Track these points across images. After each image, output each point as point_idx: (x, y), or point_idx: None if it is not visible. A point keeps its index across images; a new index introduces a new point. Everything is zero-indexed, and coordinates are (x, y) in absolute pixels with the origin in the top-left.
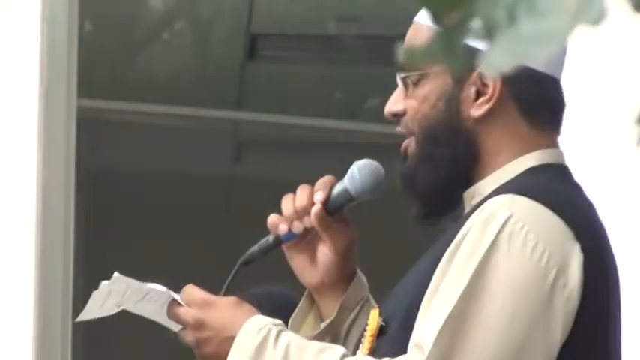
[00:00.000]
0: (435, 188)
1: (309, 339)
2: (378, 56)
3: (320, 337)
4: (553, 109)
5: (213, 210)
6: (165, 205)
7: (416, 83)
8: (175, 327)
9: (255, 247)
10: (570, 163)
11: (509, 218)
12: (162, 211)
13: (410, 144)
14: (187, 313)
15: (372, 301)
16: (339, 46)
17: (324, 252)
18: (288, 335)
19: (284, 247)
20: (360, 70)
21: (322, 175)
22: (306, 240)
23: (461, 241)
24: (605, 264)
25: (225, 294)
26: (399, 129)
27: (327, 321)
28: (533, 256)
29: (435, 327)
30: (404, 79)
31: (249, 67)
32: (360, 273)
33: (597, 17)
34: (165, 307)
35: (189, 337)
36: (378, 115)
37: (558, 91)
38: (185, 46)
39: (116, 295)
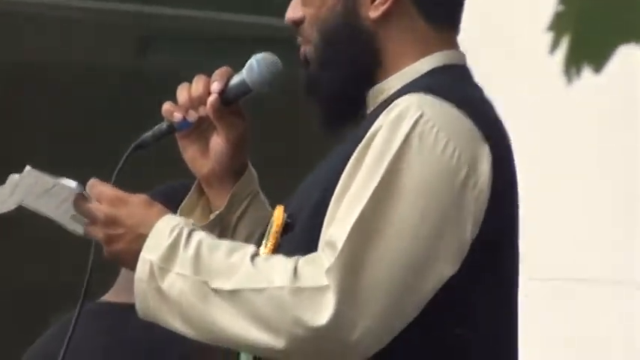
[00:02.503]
0: (338, 92)
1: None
2: None
3: (208, 228)
4: (451, 7)
5: (116, 104)
6: (69, 98)
7: None
8: (74, 227)
9: (148, 133)
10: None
11: (420, 117)
12: (66, 104)
13: (307, 50)
14: (98, 209)
15: (262, 196)
16: None
17: (217, 142)
18: (199, 235)
19: (177, 136)
20: None
21: None
22: (199, 130)
23: (370, 140)
24: (510, 165)
25: (117, 179)
26: (299, 38)
27: (217, 212)
28: (444, 155)
29: (346, 226)
30: None
31: None
32: (251, 167)
33: None
34: (65, 205)
35: (99, 233)
36: (284, 9)
37: None
38: None
39: (21, 189)
